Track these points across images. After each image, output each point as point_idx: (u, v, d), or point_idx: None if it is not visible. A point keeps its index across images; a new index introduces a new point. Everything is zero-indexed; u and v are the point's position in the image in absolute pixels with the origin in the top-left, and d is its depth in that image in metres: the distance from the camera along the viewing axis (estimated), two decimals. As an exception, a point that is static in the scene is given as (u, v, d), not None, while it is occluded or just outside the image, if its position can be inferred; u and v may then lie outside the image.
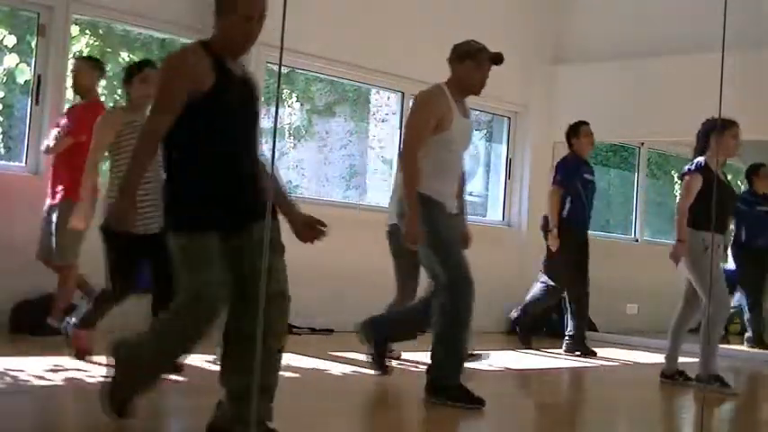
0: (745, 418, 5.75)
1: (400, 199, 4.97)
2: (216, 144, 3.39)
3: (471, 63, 4.88)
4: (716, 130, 5.87)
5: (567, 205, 7.78)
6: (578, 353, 7.76)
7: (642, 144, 11.06)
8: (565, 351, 7.83)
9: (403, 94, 9.03)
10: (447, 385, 4.77)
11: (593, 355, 7.76)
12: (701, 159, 5.97)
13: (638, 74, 9.34)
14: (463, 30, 9.12)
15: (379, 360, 5.68)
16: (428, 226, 4.79)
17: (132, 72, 5.28)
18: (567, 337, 7.91)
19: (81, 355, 5.25)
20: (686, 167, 6.07)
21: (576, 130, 7.96)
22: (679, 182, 6.16)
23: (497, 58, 4.92)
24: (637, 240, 10.81)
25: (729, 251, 9.20)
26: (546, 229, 7.84)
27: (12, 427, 3.56)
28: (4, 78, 7.65)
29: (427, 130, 4.82)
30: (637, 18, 9.53)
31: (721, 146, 5.90)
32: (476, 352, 6.08)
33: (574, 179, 7.80)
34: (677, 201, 5.95)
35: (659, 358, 6.77)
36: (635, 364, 7.76)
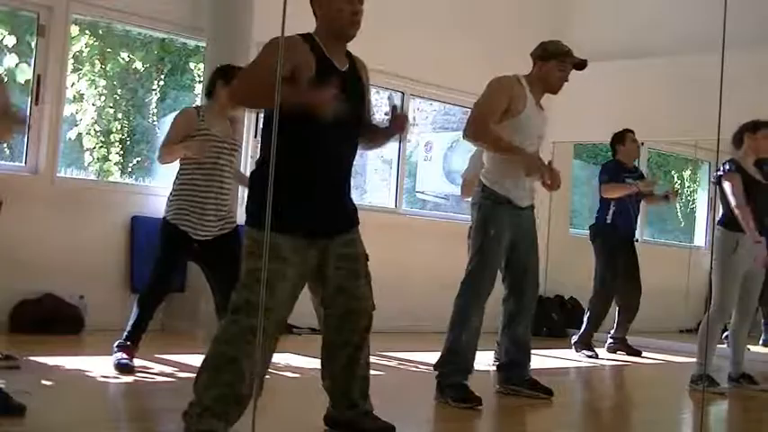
0: (746, 417, 5.75)
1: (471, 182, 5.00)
2: (307, 142, 3.32)
3: (556, 63, 4.95)
4: (749, 130, 5.90)
5: (612, 209, 7.75)
6: (584, 352, 7.75)
7: (642, 144, 11.03)
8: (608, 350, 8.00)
9: (403, 94, 9.02)
10: (449, 384, 4.79)
11: (596, 356, 7.75)
12: (733, 160, 5.93)
13: (639, 74, 9.34)
14: (463, 30, 9.16)
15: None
16: (479, 222, 4.88)
17: (214, 81, 5.24)
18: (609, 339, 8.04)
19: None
20: (720, 171, 5.97)
21: (623, 138, 7.86)
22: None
23: (582, 65, 5.02)
24: (637, 240, 10.78)
25: None
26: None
27: (12, 427, 3.56)
28: (5, 78, 7.63)
29: (496, 111, 4.80)
30: (637, 18, 9.53)
31: (754, 145, 5.89)
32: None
33: (617, 181, 7.73)
34: (733, 205, 5.76)
35: (660, 358, 6.79)
36: (635, 364, 7.76)
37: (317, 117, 3.20)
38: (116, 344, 5.06)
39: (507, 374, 5.25)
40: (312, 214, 3.39)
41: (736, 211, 5.73)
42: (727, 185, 5.83)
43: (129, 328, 5.09)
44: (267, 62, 3.25)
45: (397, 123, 3.66)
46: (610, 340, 8.09)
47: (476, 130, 4.84)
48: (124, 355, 5.01)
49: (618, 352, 7.99)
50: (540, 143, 5.09)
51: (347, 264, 3.55)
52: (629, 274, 7.87)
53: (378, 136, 3.75)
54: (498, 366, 5.42)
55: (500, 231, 4.87)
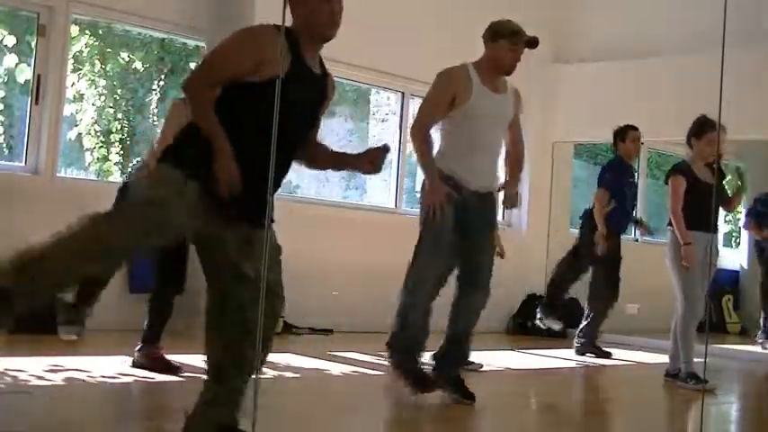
0: (746, 417, 5.75)
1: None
2: (253, 137, 3.03)
3: (505, 43, 4.89)
4: (694, 135, 6.00)
5: (610, 209, 7.64)
6: (590, 354, 7.72)
7: (642, 144, 11.03)
8: (576, 353, 7.74)
9: (403, 94, 9.03)
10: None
11: (607, 356, 7.72)
12: (684, 161, 6.11)
13: (638, 74, 9.34)
14: (463, 30, 9.14)
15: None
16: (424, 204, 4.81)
17: None
18: (576, 339, 7.86)
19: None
20: (670, 171, 6.18)
21: (624, 134, 7.76)
22: (665, 185, 6.19)
23: (532, 42, 4.92)
24: (637, 240, 10.79)
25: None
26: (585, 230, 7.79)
27: (12, 427, 3.56)
28: (5, 78, 7.66)
29: (438, 108, 4.82)
30: (637, 18, 9.53)
31: (699, 150, 5.99)
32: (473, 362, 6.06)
33: (621, 183, 7.66)
34: (669, 205, 5.99)
35: (660, 358, 6.78)
36: (635, 364, 7.76)
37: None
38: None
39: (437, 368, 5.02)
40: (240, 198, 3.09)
41: (670, 213, 5.93)
42: (670, 186, 6.01)
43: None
44: (225, 60, 3.11)
45: (369, 158, 3.35)
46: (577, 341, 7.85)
47: (413, 133, 4.89)
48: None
49: (586, 354, 7.75)
50: (499, 124, 4.94)
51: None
52: (609, 270, 7.78)
53: (331, 159, 3.51)
54: (434, 356, 5.13)
55: (445, 215, 4.71)
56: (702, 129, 5.94)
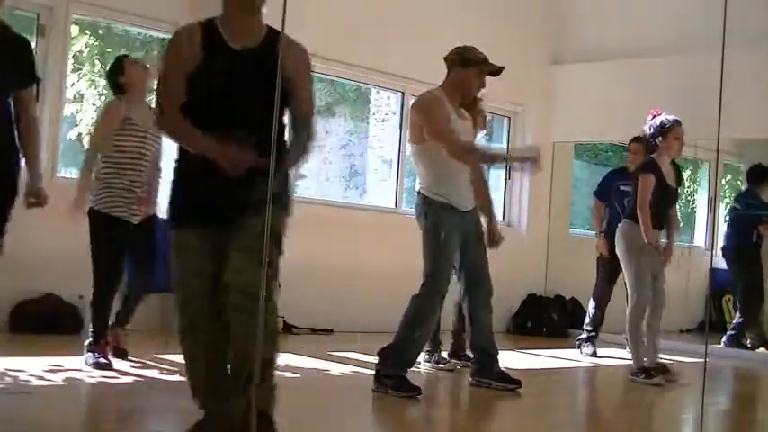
0: (745, 417, 5.75)
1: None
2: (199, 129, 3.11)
3: (473, 71, 5.07)
4: (660, 134, 6.03)
5: (607, 216, 7.87)
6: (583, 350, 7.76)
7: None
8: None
9: (403, 94, 9.02)
10: (389, 375, 4.92)
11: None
12: (652, 159, 6.13)
13: (638, 74, 9.34)
14: (463, 30, 9.15)
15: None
16: (430, 227, 5.07)
17: (120, 61, 5.39)
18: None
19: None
20: (640, 168, 6.24)
21: (629, 145, 7.96)
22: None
23: (498, 72, 5.11)
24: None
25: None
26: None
27: (12, 427, 3.56)
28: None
29: (448, 126, 4.99)
30: (637, 18, 9.53)
31: (668, 147, 6.03)
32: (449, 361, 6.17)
33: (609, 191, 7.87)
34: (638, 204, 6.01)
35: (659, 359, 6.77)
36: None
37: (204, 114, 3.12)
38: (86, 344, 5.17)
39: (478, 367, 5.37)
40: (207, 204, 3.19)
41: (638, 212, 5.98)
42: (639, 183, 6.04)
43: (90, 329, 5.21)
44: (168, 79, 3.21)
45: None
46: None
47: (459, 153, 4.96)
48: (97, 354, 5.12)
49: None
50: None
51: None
52: (608, 279, 7.84)
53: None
54: (471, 361, 5.56)
55: (450, 233, 5.07)
56: (668, 127, 6.00)
